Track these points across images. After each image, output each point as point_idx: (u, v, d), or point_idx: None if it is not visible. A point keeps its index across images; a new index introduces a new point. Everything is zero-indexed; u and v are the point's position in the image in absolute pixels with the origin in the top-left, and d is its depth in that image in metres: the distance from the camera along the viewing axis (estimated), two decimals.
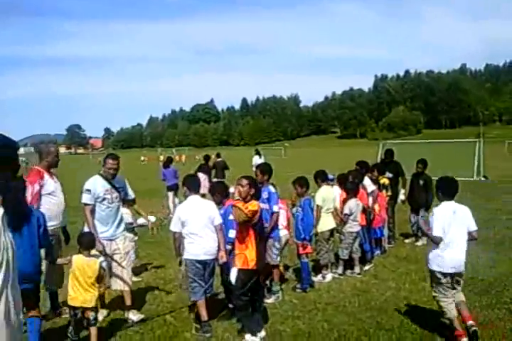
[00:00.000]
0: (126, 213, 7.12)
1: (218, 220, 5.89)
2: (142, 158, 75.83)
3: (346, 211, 8.05)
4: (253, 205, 5.27)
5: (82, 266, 5.14)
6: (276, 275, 7.03)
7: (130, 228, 7.32)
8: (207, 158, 17.56)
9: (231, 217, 5.97)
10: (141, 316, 6.11)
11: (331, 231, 7.96)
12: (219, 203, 6.28)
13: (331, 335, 5.56)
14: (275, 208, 6.80)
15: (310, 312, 6.35)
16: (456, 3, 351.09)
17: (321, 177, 8.06)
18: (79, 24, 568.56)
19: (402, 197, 10.72)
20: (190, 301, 6.05)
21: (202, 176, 16.67)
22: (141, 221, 7.55)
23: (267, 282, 6.94)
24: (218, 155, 19.59)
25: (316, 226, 7.63)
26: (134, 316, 6.08)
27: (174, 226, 5.88)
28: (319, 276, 7.83)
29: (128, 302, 6.19)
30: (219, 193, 6.36)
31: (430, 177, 10.55)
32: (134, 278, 7.58)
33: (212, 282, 6.07)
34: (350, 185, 8.30)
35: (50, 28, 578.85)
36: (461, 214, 5.25)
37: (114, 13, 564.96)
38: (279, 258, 6.99)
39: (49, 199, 6.02)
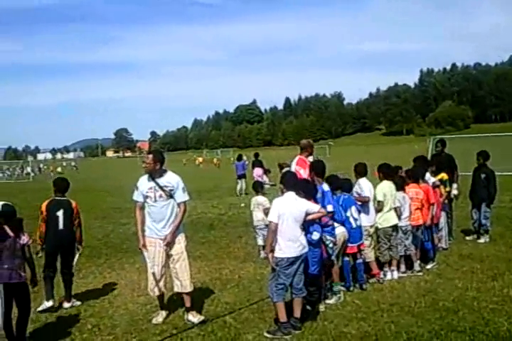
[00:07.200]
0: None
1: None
2: (184, 161, 71.94)
3: (397, 204, 7.73)
4: None
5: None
6: (336, 275, 6.80)
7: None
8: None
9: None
10: (202, 318, 6.00)
11: (393, 228, 7.66)
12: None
13: (399, 338, 5.31)
14: (329, 208, 6.57)
15: (374, 313, 6.08)
16: None
17: (384, 171, 7.80)
18: (121, 29, 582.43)
19: (455, 191, 10.00)
20: (272, 302, 5.74)
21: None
22: None
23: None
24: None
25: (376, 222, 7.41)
26: (194, 318, 5.99)
27: (273, 216, 5.57)
28: (380, 274, 7.53)
29: (188, 304, 6.11)
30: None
31: (492, 171, 10.06)
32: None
33: (303, 282, 5.75)
34: (396, 179, 7.98)
35: (95, 34, 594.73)
36: None
37: (156, 17, 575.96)
38: (334, 257, 6.70)
39: None
